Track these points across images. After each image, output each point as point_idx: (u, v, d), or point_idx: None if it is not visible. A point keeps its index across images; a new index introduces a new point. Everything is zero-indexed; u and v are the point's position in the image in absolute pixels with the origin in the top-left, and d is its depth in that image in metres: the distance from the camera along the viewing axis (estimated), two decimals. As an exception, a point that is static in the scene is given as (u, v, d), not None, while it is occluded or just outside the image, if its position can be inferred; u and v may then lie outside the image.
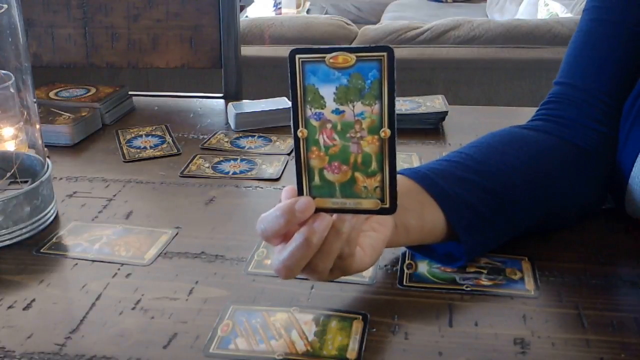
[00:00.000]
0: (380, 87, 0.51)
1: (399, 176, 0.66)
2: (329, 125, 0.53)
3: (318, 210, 0.55)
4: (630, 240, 0.75)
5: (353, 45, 2.17)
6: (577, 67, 0.80)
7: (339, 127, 0.53)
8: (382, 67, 0.51)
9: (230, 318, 0.62)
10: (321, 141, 0.54)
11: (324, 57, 0.51)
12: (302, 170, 0.55)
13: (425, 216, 0.66)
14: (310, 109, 0.53)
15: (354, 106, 0.52)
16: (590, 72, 0.78)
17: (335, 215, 0.55)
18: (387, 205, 0.55)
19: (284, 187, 0.63)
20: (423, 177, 0.68)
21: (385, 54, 0.51)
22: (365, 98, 0.52)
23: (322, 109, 0.53)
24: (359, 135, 0.53)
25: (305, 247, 0.55)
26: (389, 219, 0.63)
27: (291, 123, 0.54)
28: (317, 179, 0.55)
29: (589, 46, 0.79)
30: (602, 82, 0.77)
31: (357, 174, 0.54)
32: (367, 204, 0.55)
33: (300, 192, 0.55)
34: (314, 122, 0.53)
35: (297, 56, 0.52)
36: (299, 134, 0.54)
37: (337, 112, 0.53)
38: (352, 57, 0.51)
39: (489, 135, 0.77)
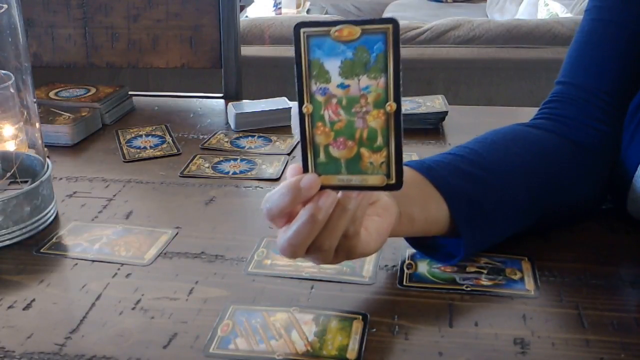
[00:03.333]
0: (385, 60, 0.51)
1: (404, 167, 0.67)
2: (334, 100, 0.52)
3: (324, 187, 0.54)
4: (630, 240, 0.75)
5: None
6: (578, 67, 0.80)
7: (344, 102, 0.52)
8: (388, 39, 0.50)
9: (230, 318, 0.62)
10: (326, 117, 0.53)
11: (329, 31, 0.51)
12: (308, 147, 0.54)
13: (429, 208, 0.67)
14: (316, 84, 0.52)
15: (359, 80, 0.51)
16: (592, 71, 0.78)
17: (340, 193, 0.54)
18: (394, 181, 0.54)
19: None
20: (428, 169, 0.68)
21: (390, 25, 0.50)
22: (370, 71, 0.51)
23: (328, 83, 0.52)
24: (364, 109, 0.52)
25: (311, 224, 0.54)
26: (394, 206, 0.63)
27: (296, 98, 0.53)
28: (322, 155, 0.54)
29: (591, 46, 0.79)
30: (603, 81, 0.77)
31: (363, 150, 0.53)
32: (373, 180, 0.54)
33: (305, 170, 0.55)
34: (319, 97, 0.52)
35: (302, 30, 0.51)
36: (304, 110, 0.53)
37: (342, 86, 0.52)
38: (357, 30, 0.50)
39: (492, 132, 0.77)
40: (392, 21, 0.50)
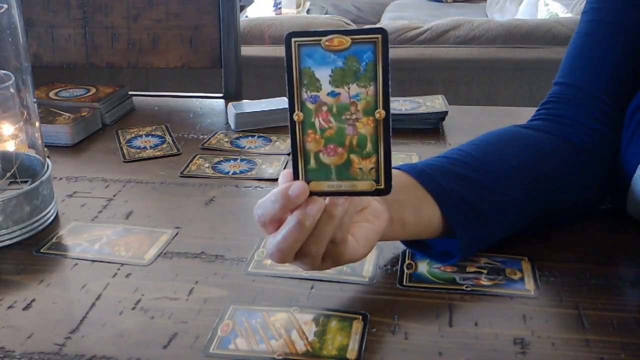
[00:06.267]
0: (375, 69, 0.52)
1: (396, 171, 0.67)
2: (324, 108, 0.53)
3: (313, 193, 0.55)
4: (630, 240, 0.75)
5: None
6: (576, 68, 0.80)
7: (334, 110, 0.53)
8: (377, 49, 0.51)
9: (230, 318, 0.62)
10: (317, 124, 0.54)
11: (320, 40, 0.52)
12: (298, 154, 0.55)
13: (421, 211, 0.67)
14: (306, 92, 0.53)
15: (349, 88, 0.53)
16: (589, 72, 0.78)
17: (328, 199, 0.55)
18: (382, 186, 0.55)
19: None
20: (420, 173, 0.69)
21: (379, 36, 0.51)
22: (360, 80, 0.52)
23: (318, 91, 0.53)
24: (354, 117, 0.53)
25: (298, 230, 0.55)
26: (384, 212, 0.63)
27: (287, 107, 0.54)
28: (312, 162, 0.55)
29: (588, 47, 0.79)
30: (601, 82, 0.77)
31: (353, 156, 0.54)
32: (362, 185, 0.55)
33: (296, 176, 0.56)
34: (310, 105, 0.53)
35: (293, 39, 0.52)
36: (295, 118, 0.54)
37: (332, 94, 0.53)
38: (347, 40, 0.52)
39: (488, 134, 0.77)
40: (381, 31, 0.51)
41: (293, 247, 0.56)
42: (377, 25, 0.52)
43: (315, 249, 0.57)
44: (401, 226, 0.66)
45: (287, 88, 0.53)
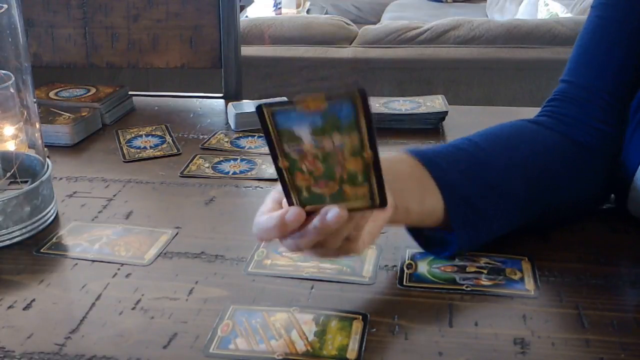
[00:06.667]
0: (357, 123, 0.49)
1: (404, 155, 0.68)
2: (310, 156, 0.52)
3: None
4: (630, 240, 0.75)
5: (352, 45, 2.17)
6: (580, 65, 0.80)
7: (320, 157, 0.52)
8: (356, 105, 0.48)
9: (230, 318, 0.62)
10: (304, 168, 0.53)
11: (293, 105, 0.50)
12: (290, 190, 0.55)
13: (425, 200, 0.68)
14: (288, 147, 0.52)
15: (332, 139, 0.51)
16: (593, 70, 0.78)
17: None
18: (378, 203, 0.55)
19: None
20: (429, 161, 0.69)
21: (356, 92, 0.48)
22: (343, 132, 0.50)
23: (301, 145, 0.51)
24: (341, 161, 0.52)
25: (320, 235, 0.56)
26: (390, 205, 0.64)
27: (270, 157, 0.53)
28: (305, 193, 0.55)
29: (593, 44, 0.79)
30: (604, 81, 0.77)
31: (345, 186, 0.54)
32: (358, 204, 0.55)
33: (290, 204, 0.56)
34: (294, 155, 0.52)
35: (265, 109, 0.50)
36: (280, 165, 0.53)
37: (316, 145, 0.51)
38: (322, 101, 0.49)
39: (498, 126, 0.78)
40: (358, 88, 0.48)
41: (311, 245, 0.58)
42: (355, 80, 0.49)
43: (333, 243, 0.58)
44: (405, 213, 0.66)
45: (267, 145, 0.52)
